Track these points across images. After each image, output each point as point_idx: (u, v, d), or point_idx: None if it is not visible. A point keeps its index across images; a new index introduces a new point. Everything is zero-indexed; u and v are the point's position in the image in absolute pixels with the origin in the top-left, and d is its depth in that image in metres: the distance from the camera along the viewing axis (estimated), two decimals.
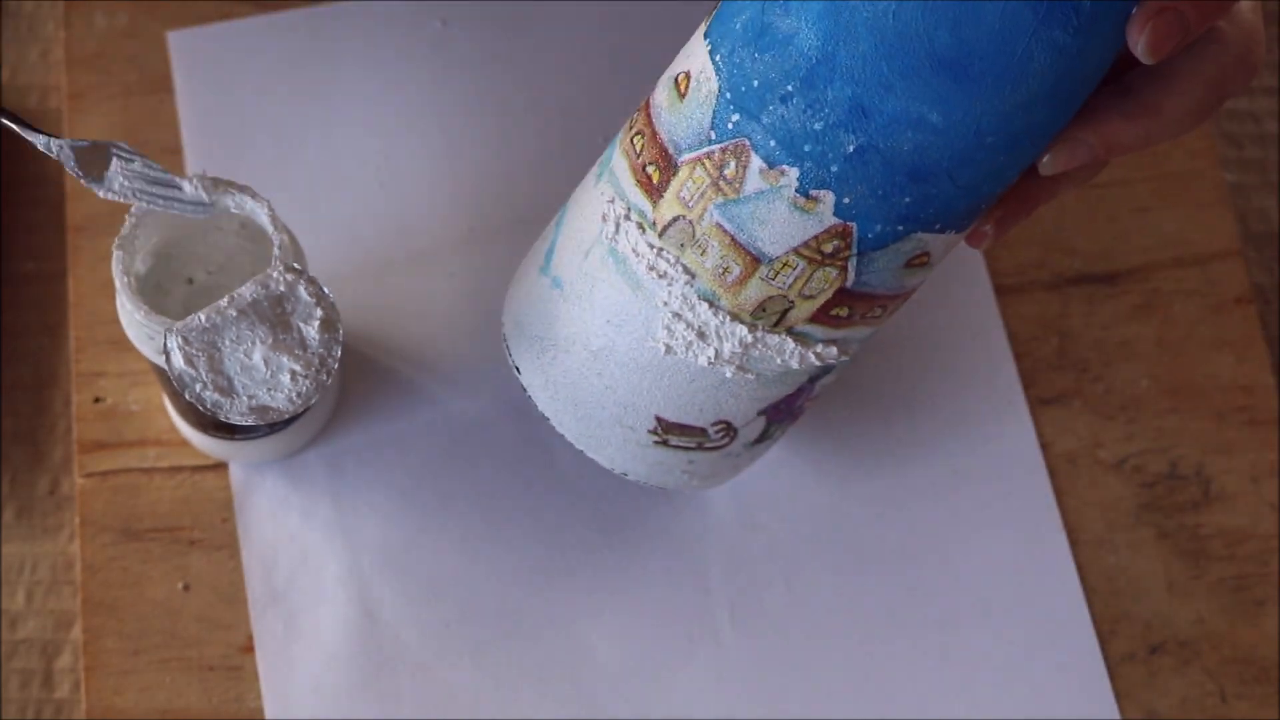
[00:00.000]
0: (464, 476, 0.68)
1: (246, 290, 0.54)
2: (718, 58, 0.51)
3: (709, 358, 0.55)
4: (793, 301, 0.54)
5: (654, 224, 0.54)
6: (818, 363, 0.56)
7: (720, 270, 0.53)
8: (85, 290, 0.69)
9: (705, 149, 0.52)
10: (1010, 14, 0.47)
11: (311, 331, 0.55)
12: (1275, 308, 0.73)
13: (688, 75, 0.53)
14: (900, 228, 0.52)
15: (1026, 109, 0.49)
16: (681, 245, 0.53)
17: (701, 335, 0.54)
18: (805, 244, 0.52)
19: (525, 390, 0.58)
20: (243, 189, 0.57)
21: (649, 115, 0.55)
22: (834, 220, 0.51)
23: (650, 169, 0.54)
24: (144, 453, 0.68)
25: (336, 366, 0.55)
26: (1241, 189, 0.75)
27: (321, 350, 0.55)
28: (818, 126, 0.50)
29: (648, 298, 0.54)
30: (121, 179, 0.55)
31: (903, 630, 0.67)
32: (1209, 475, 0.70)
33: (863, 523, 0.68)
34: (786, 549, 0.68)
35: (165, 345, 0.54)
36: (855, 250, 0.52)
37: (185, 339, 0.54)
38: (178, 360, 0.54)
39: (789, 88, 0.50)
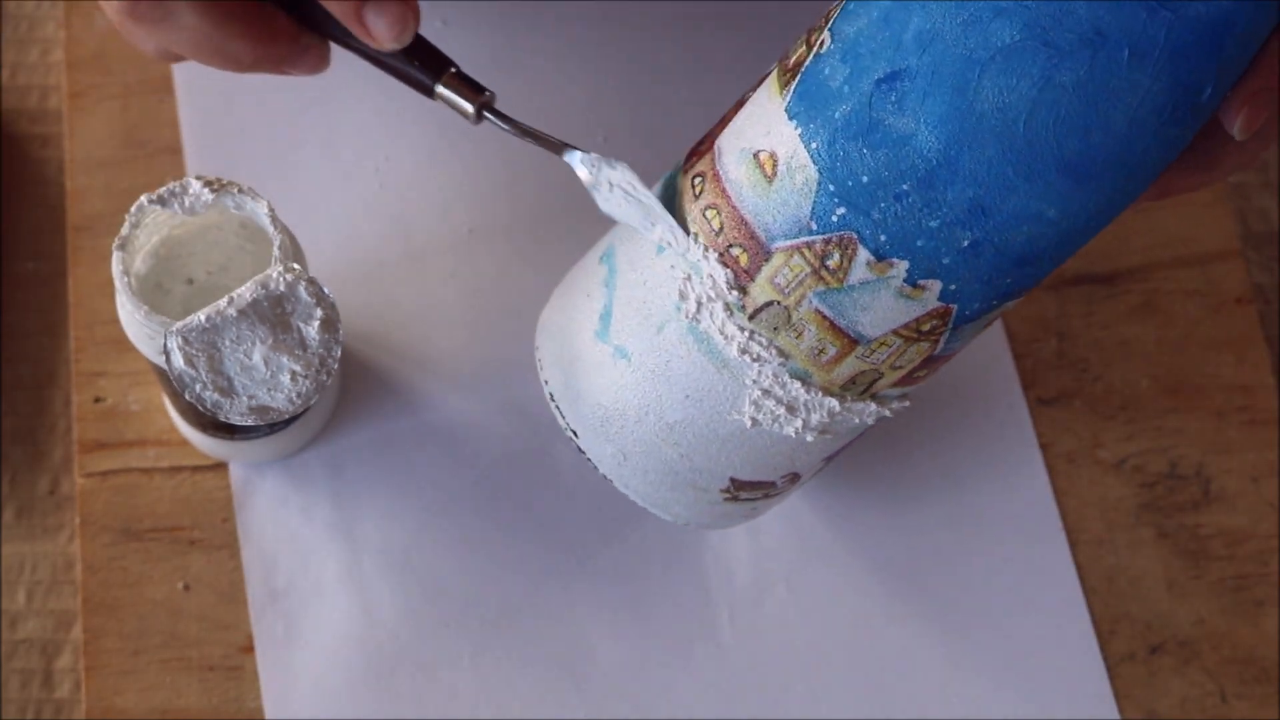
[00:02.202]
0: (464, 476, 0.68)
1: (246, 290, 0.54)
2: (814, 146, 0.50)
3: (796, 429, 0.55)
4: (882, 373, 0.54)
5: (743, 307, 0.53)
6: (890, 416, 0.56)
7: (816, 351, 0.53)
8: (85, 290, 0.69)
9: (805, 238, 0.51)
10: (1138, 120, 0.47)
11: (311, 332, 0.55)
12: (1275, 308, 0.73)
13: (773, 157, 0.51)
14: (995, 303, 0.52)
15: (1132, 194, 0.50)
16: (775, 329, 0.53)
17: (790, 409, 0.54)
18: (905, 325, 0.52)
19: (583, 453, 0.57)
20: (243, 189, 0.57)
21: (722, 189, 0.53)
22: (937, 304, 0.52)
23: (736, 250, 0.52)
24: (144, 453, 0.68)
25: (336, 367, 0.55)
26: (1241, 189, 0.75)
27: (321, 350, 0.55)
28: (934, 224, 0.49)
29: (735, 376, 0.54)
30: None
31: (902, 630, 0.67)
32: (1209, 475, 0.70)
33: (862, 523, 0.68)
34: (786, 549, 0.68)
35: (165, 345, 0.54)
36: (951, 326, 0.53)
37: (185, 339, 0.54)
38: (178, 360, 0.54)
39: (904, 186, 0.49)
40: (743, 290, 0.52)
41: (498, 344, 0.69)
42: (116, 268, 0.56)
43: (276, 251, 0.56)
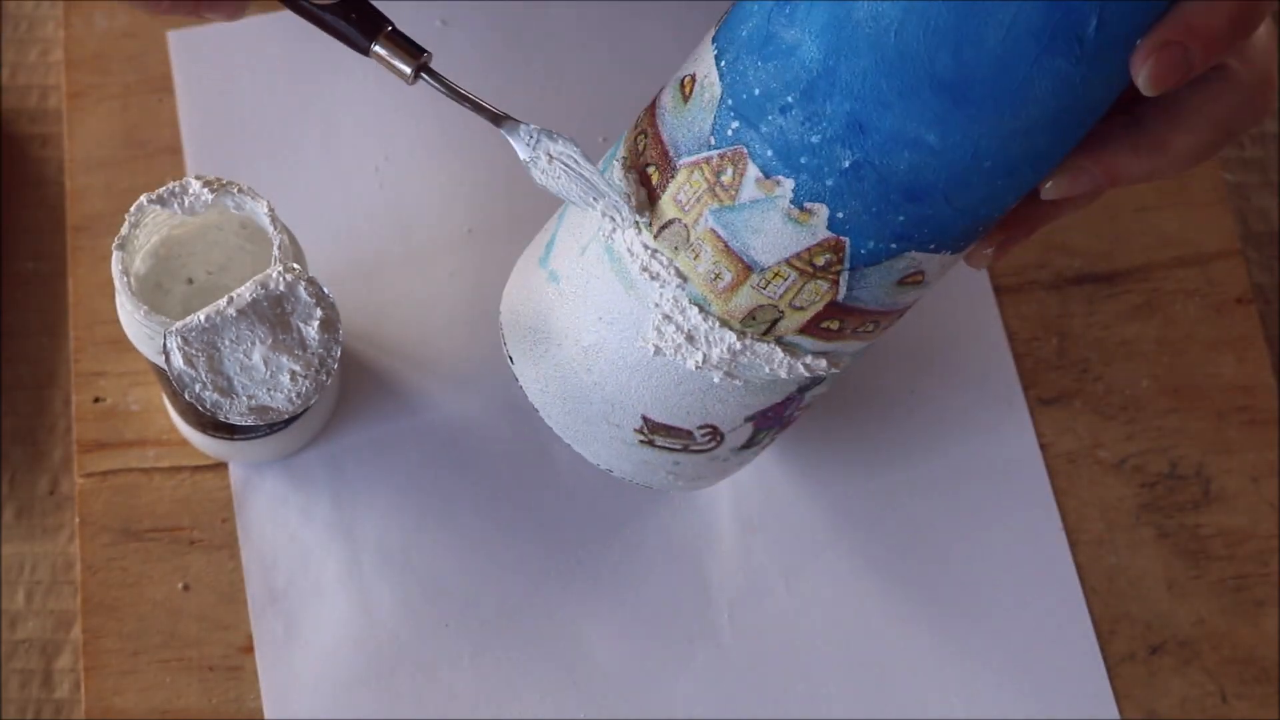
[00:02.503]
0: (464, 476, 0.68)
1: (246, 290, 0.54)
2: (723, 64, 0.52)
3: (697, 362, 0.55)
4: (782, 311, 0.54)
5: (650, 225, 0.54)
6: (806, 374, 0.56)
7: (712, 276, 0.53)
8: (85, 290, 0.69)
9: (704, 154, 0.52)
10: (1012, 40, 0.46)
11: (311, 331, 0.55)
12: (1275, 308, 0.73)
13: (693, 79, 0.53)
14: (894, 245, 0.52)
15: (1026, 135, 0.48)
16: (675, 248, 0.53)
17: (690, 339, 0.54)
18: (797, 255, 0.52)
19: (517, 380, 0.58)
20: (243, 189, 0.57)
21: (654, 115, 0.55)
22: (827, 234, 0.51)
23: (650, 169, 0.54)
24: (144, 453, 0.68)
25: (336, 367, 0.55)
26: (1241, 189, 0.75)
27: (321, 350, 0.55)
28: (815, 140, 0.50)
29: (640, 298, 0.54)
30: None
31: (902, 630, 0.67)
32: (1209, 475, 0.70)
33: (862, 523, 0.68)
34: (786, 549, 0.68)
35: (165, 345, 0.54)
36: (847, 265, 0.52)
37: (185, 339, 0.54)
38: (177, 360, 0.54)
39: (789, 99, 0.50)
40: (650, 211, 0.54)
41: (498, 344, 0.69)
42: (116, 267, 0.56)
43: (276, 251, 0.56)
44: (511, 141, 0.56)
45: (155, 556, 0.67)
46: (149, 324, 0.56)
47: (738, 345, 0.54)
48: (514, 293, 0.59)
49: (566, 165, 0.55)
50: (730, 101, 0.51)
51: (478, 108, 0.56)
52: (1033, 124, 0.48)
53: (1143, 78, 0.46)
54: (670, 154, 0.53)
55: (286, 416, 0.55)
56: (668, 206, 0.53)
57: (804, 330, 0.54)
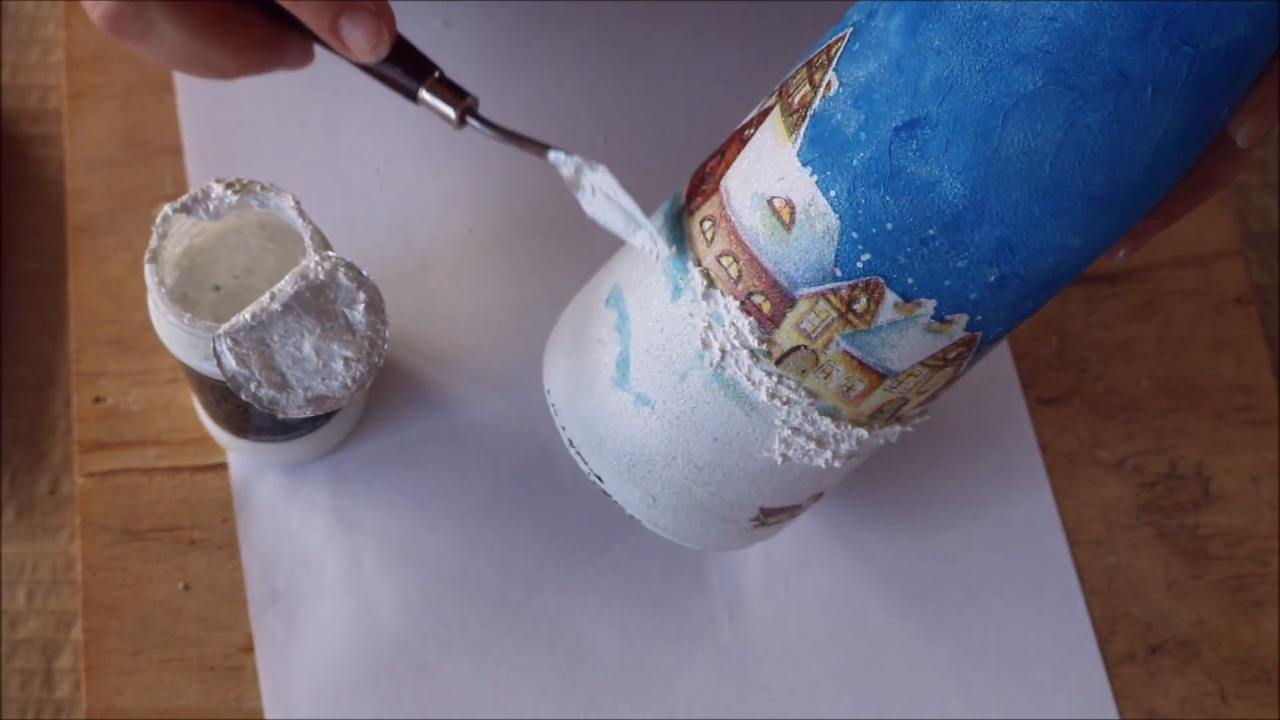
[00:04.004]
0: (463, 476, 0.68)
1: (287, 284, 0.54)
2: (833, 193, 0.49)
3: (826, 460, 0.55)
4: (908, 399, 0.54)
5: (769, 353, 0.52)
6: (911, 431, 0.57)
7: (845, 388, 0.53)
8: (85, 290, 0.70)
9: (830, 285, 0.51)
10: (1162, 150, 0.48)
11: (357, 315, 0.54)
12: (1275, 308, 0.73)
13: (789, 205, 0.51)
14: (1016, 323, 0.53)
15: (1148, 209, 0.50)
16: (803, 371, 0.52)
17: (820, 443, 0.54)
18: (932, 356, 0.52)
19: (608, 495, 0.57)
20: (265, 186, 0.57)
21: (737, 236, 0.52)
22: (963, 334, 0.52)
23: (758, 298, 0.52)
24: (144, 453, 0.68)
25: (387, 347, 0.55)
26: (1241, 189, 0.75)
27: (370, 333, 0.55)
28: (961, 264, 0.49)
29: (763, 417, 0.54)
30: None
31: (902, 630, 0.67)
32: (1209, 475, 0.70)
33: (862, 523, 0.68)
34: (786, 549, 0.68)
35: (215, 349, 0.53)
36: (975, 351, 0.53)
37: (234, 340, 0.53)
38: (229, 362, 0.53)
39: (930, 231, 0.49)
40: (767, 337, 0.52)
41: (498, 345, 0.69)
42: (151, 280, 0.56)
43: (308, 241, 0.56)
44: (562, 173, 0.55)
45: (156, 556, 0.67)
46: (194, 330, 0.55)
47: (866, 437, 0.55)
48: (584, 412, 0.57)
49: (607, 195, 0.54)
50: (855, 235, 0.50)
51: (525, 143, 0.56)
52: (1158, 200, 0.50)
53: (1242, 135, 0.49)
54: (782, 284, 0.51)
55: (344, 404, 0.55)
56: (789, 335, 0.52)
57: (920, 405, 0.55)
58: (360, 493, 0.67)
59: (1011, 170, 0.47)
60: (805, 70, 0.52)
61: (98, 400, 0.68)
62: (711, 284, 0.53)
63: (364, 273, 0.55)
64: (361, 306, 0.54)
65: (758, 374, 0.53)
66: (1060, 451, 0.70)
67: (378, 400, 0.68)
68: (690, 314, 0.53)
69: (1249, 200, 0.75)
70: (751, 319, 0.52)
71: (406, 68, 0.56)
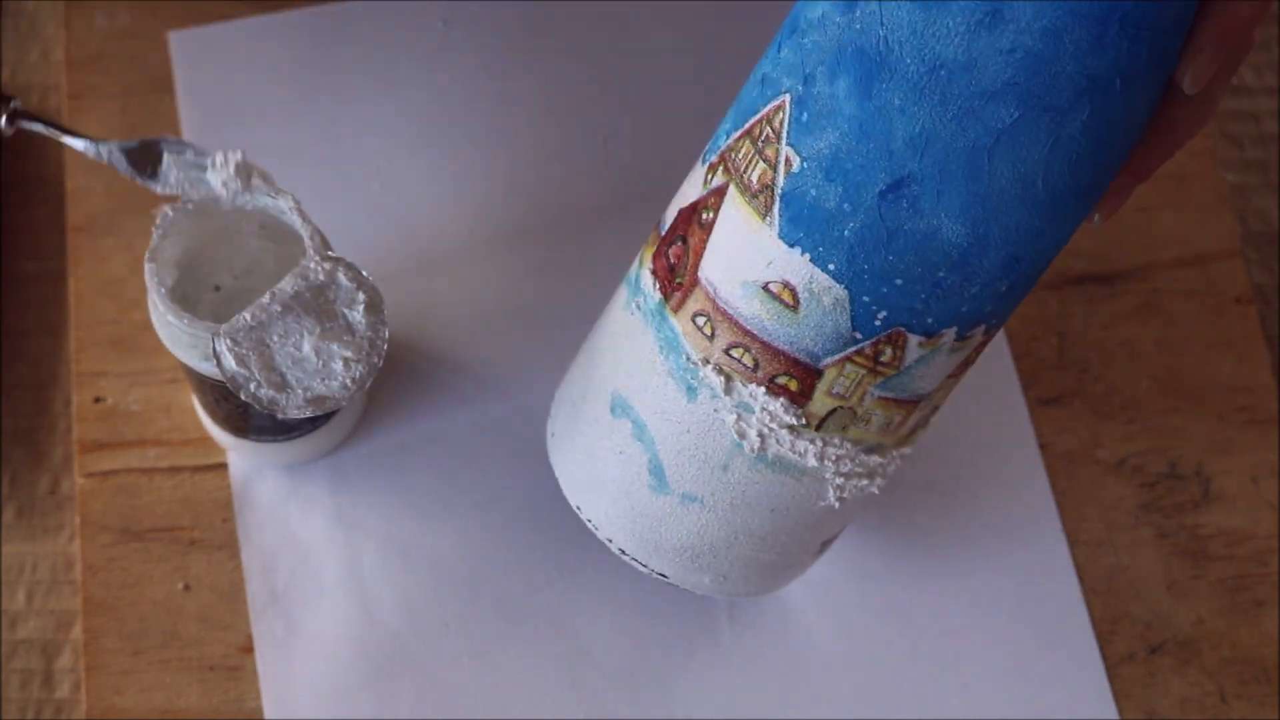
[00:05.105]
0: (463, 476, 0.68)
1: (287, 284, 0.54)
2: (831, 267, 0.49)
3: (879, 486, 0.56)
4: (938, 406, 0.55)
5: (806, 423, 0.53)
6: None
7: (885, 425, 0.53)
8: (85, 290, 0.70)
9: (853, 348, 0.51)
10: (1136, 126, 0.48)
11: (357, 316, 0.54)
12: (1275, 308, 0.73)
13: (788, 286, 0.50)
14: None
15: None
16: (844, 427, 0.53)
17: (870, 476, 0.55)
18: (957, 367, 0.53)
19: (671, 582, 0.57)
20: (268, 185, 0.57)
21: (740, 326, 0.52)
22: (981, 338, 0.52)
23: (782, 379, 0.52)
24: (144, 453, 0.68)
25: (386, 347, 0.55)
26: (1242, 189, 0.75)
27: (370, 333, 0.55)
28: (974, 290, 0.50)
29: (814, 476, 0.54)
30: (176, 172, 0.55)
31: (901, 629, 0.67)
32: (1209, 475, 0.70)
33: (861, 522, 0.68)
34: None
35: (215, 349, 0.53)
36: (984, 340, 0.53)
37: (234, 340, 0.53)
38: (229, 362, 0.53)
39: (940, 274, 0.49)
40: (802, 410, 0.52)
41: (498, 345, 0.69)
42: (151, 280, 0.56)
43: (309, 242, 0.56)
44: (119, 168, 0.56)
45: (156, 556, 0.67)
46: (193, 330, 0.55)
47: (909, 452, 0.56)
48: (628, 521, 0.56)
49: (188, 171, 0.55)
50: (867, 299, 0.49)
51: (75, 134, 0.56)
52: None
53: (1188, 80, 0.48)
54: (804, 360, 0.51)
55: (344, 404, 0.55)
56: (823, 402, 0.52)
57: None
58: (360, 493, 0.67)
59: (1007, 197, 0.48)
60: (749, 144, 0.51)
61: (98, 400, 0.68)
62: (729, 378, 0.52)
63: (364, 273, 0.55)
64: (361, 306, 0.54)
65: (801, 445, 0.53)
66: (1060, 451, 0.69)
67: (378, 400, 0.68)
68: (715, 410, 0.53)
69: (1249, 200, 0.75)
70: (782, 399, 0.52)
71: None
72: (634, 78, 0.73)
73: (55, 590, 0.68)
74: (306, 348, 0.54)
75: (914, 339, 0.50)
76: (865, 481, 0.55)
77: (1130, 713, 0.66)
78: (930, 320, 0.50)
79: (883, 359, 0.51)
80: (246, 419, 0.63)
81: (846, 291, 0.49)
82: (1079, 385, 0.70)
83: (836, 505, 0.55)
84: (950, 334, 0.51)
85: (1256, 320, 0.71)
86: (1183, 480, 0.69)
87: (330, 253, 0.55)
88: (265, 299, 0.54)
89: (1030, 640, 0.67)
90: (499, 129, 0.72)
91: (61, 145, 0.72)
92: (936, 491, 0.68)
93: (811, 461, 0.53)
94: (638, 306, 0.55)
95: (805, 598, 0.67)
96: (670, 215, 0.55)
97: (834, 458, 0.53)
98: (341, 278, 0.54)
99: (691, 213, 0.53)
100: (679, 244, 0.53)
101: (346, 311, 0.54)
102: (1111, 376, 0.71)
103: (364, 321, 0.54)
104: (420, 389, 0.69)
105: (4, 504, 0.68)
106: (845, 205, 0.48)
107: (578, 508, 0.57)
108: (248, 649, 0.66)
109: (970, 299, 0.50)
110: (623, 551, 0.57)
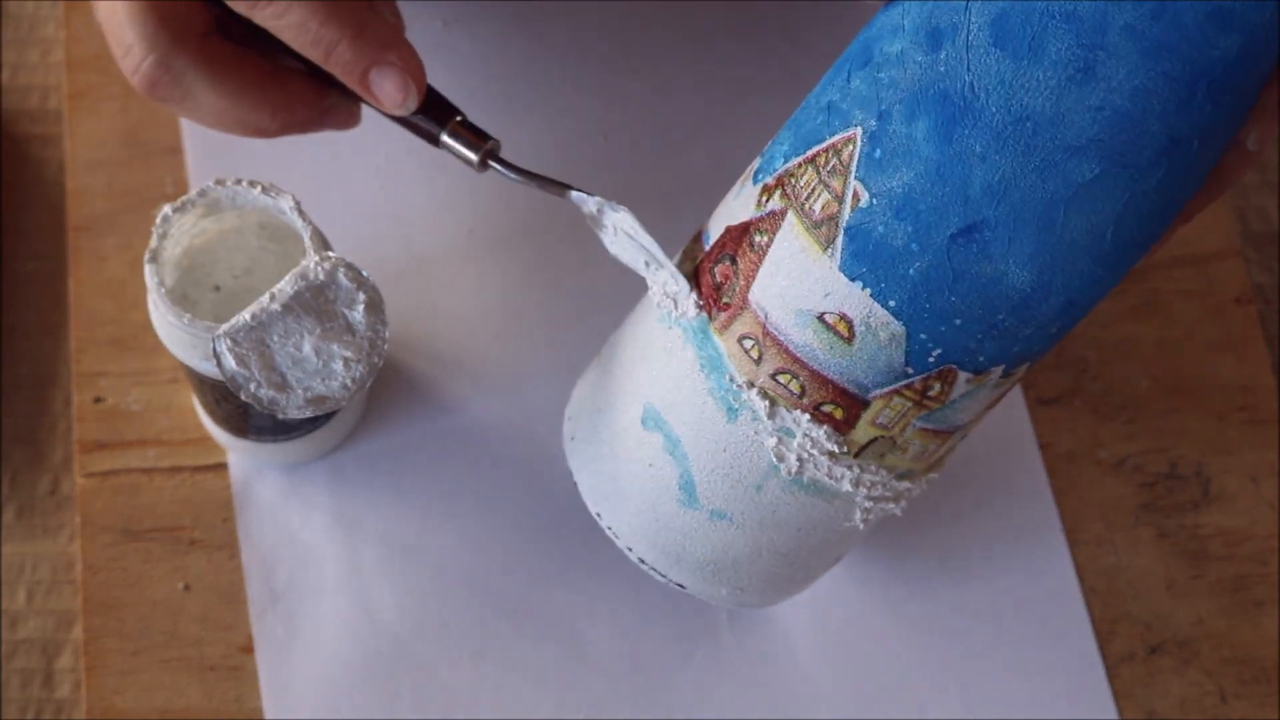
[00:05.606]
0: (463, 476, 0.68)
1: (287, 284, 0.54)
2: (892, 304, 0.49)
3: (902, 508, 0.56)
4: (968, 434, 0.55)
5: (846, 450, 0.53)
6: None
7: (921, 453, 0.54)
8: (86, 290, 0.70)
9: (903, 382, 0.51)
10: (1199, 181, 0.49)
11: (357, 316, 0.55)
12: (1275, 308, 0.73)
13: (844, 319, 0.50)
14: None
15: None
16: (882, 455, 0.53)
17: (896, 499, 0.55)
18: (995, 399, 0.53)
19: (687, 591, 0.57)
20: (266, 187, 0.57)
21: (790, 354, 0.51)
22: (1023, 373, 0.53)
23: (828, 408, 0.52)
24: (144, 453, 0.68)
25: (387, 348, 0.55)
26: (1241, 189, 0.75)
27: (370, 334, 0.55)
28: (1028, 332, 0.50)
29: (845, 500, 0.54)
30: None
31: (901, 629, 0.67)
32: (1209, 475, 0.70)
33: None
34: None
35: (215, 349, 0.53)
36: (1024, 375, 0.54)
37: (234, 340, 0.53)
38: (229, 362, 0.53)
39: (1000, 316, 0.49)
40: (844, 439, 0.52)
41: (498, 345, 0.69)
42: (151, 280, 0.56)
43: (308, 242, 0.56)
44: (584, 211, 0.55)
45: (156, 556, 0.67)
46: (193, 330, 0.55)
47: (935, 477, 0.56)
48: (652, 533, 0.56)
49: (628, 234, 0.54)
50: (924, 336, 0.50)
51: (547, 184, 0.56)
52: None
53: (1253, 139, 0.50)
54: (852, 391, 0.51)
55: (344, 404, 0.55)
56: (865, 431, 0.52)
57: None
58: (360, 493, 0.67)
59: (1076, 249, 0.48)
60: (812, 172, 0.50)
61: (98, 400, 0.68)
62: (774, 403, 0.52)
63: (364, 273, 0.55)
64: (361, 307, 0.54)
65: (838, 470, 0.53)
66: (1060, 451, 0.69)
67: (378, 400, 0.68)
68: (755, 432, 0.53)
69: (1249, 200, 0.75)
70: (826, 427, 0.52)
71: (430, 111, 0.57)
72: (634, 78, 0.73)
73: (55, 590, 0.68)
74: (306, 348, 0.54)
75: (963, 375, 0.51)
76: (890, 505, 0.55)
77: (1130, 712, 0.66)
78: (982, 359, 0.50)
79: (930, 393, 0.51)
80: (246, 419, 0.63)
81: (904, 328, 0.49)
82: (1079, 385, 0.70)
83: (860, 526, 0.56)
84: (998, 371, 0.51)
85: (1256, 320, 0.71)
86: (1183, 480, 0.69)
87: (330, 253, 0.55)
88: (265, 299, 0.54)
89: (1030, 640, 0.67)
90: (498, 129, 0.72)
91: (61, 145, 0.72)
92: (936, 492, 0.68)
93: (846, 487, 0.53)
94: (676, 320, 0.54)
95: (805, 597, 0.67)
96: (715, 230, 0.54)
97: (868, 484, 0.54)
98: (341, 278, 0.54)
99: (742, 233, 0.52)
100: (726, 263, 0.53)
101: (346, 311, 0.54)
102: (1111, 376, 0.71)
103: (364, 321, 0.54)
104: (420, 389, 0.69)
105: (4, 504, 0.68)
106: (914, 245, 0.48)
107: (597, 515, 0.57)
108: (248, 649, 0.66)
109: (1023, 340, 0.50)
110: (642, 561, 0.57)
